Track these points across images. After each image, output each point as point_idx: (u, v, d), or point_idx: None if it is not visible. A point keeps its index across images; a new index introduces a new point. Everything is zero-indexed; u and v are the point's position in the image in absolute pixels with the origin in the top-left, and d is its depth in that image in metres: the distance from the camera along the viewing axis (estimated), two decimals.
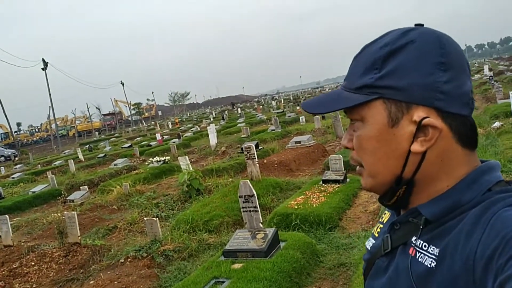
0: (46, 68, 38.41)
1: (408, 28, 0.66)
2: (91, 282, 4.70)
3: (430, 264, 0.62)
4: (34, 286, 5.09)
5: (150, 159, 13.23)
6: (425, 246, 0.65)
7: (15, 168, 22.43)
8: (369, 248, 0.84)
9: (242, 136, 16.95)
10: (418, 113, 0.62)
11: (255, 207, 4.75)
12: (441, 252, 0.61)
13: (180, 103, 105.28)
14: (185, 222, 6.08)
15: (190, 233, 5.72)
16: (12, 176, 17.79)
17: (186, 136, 22.16)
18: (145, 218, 6.07)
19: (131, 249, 5.31)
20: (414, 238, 0.68)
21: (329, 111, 0.68)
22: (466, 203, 0.62)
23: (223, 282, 3.81)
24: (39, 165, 21.78)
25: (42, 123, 74.97)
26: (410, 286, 0.64)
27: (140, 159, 16.49)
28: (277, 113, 27.57)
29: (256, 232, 4.51)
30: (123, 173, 12.77)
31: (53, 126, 49.44)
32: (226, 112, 44.64)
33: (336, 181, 6.73)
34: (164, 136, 23.42)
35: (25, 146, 49.54)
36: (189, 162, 9.64)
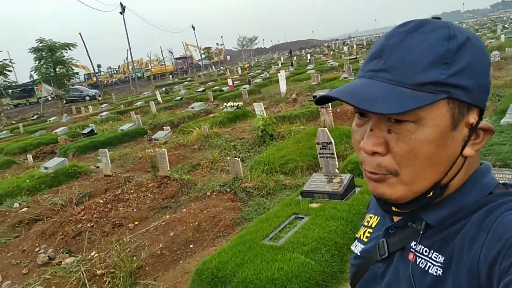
0: (123, 12, 40.08)
1: (439, 20, 0.61)
2: (184, 210, 5.39)
3: (436, 272, 0.61)
4: (134, 210, 5.92)
5: (224, 104, 13.85)
6: (425, 251, 0.64)
7: (101, 107, 24.58)
8: (357, 253, 0.81)
9: (313, 83, 16.84)
10: (474, 115, 0.61)
11: (332, 153, 5.01)
12: (447, 259, 0.60)
13: (248, 48, 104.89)
14: (262, 163, 6.54)
15: (267, 174, 6.18)
16: (100, 114, 19.57)
17: (255, 82, 22.46)
18: (227, 158, 6.63)
19: (216, 184, 5.92)
20: (413, 243, 0.66)
21: (400, 112, 0.55)
22: (468, 207, 0.62)
23: (302, 218, 4.22)
24: (122, 105, 23.60)
25: (119, 66, 79.45)
26: None
27: (214, 103, 17.24)
28: (350, 59, 26.58)
29: (333, 177, 4.82)
30: (200, 116, 13.58)
31: (130, 68, 52.40)
32: (294, 58, 43.89)
33: None
34: (234, 82, 23.93)
35: (106, 87, 53.15)
36: (263, 108, 10.01)
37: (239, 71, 38.93)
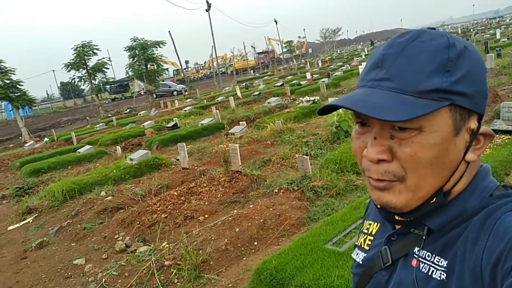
0: (209, 9, 41.61)
1: (436, 30, 0.63)
2: (251, 206, 5.42)
3: (440, 277, 0.61)
4: (206, 203, 6.11)
5: (300, 98, 13.69)
6: (428, 256, 0.64)
7: (186, 102, 25.89)
8: (359, 261, 0.80)
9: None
10: (474, 121, 0.62)
11: None
12: (450, 263, 0.60)
13: (331, 40, 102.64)
14: (333, 162, 6.32)
15: (338, 173, 5.96)
16: (184, 109, 20.64)
17: (335, 75, 21.90)
18: (296, 155, 6.54)
19: (284, 182, 5.86)
20: (416, 249, 0.66)
21: (408, 119, 0.56)
22: (469, 210, 0.62)
23: None
24: (205, 100, 24.63)
25: (205, 61, 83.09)
26: None
27: (291, 98, 17.16)
28: None
29: None
30: (276, 111, 13.61)
31: (214, 64, 54.46)
32: None
33: (507, 132, 5.99)
34: (313, 75, 23.57)
35: (192, 82, 55.97)
36: None
37: (320, 64, 38.27)
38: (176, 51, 40.70)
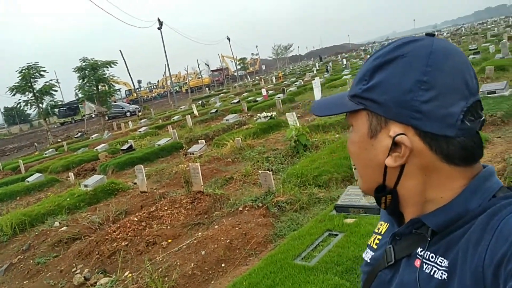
0: (161, 28, 41.32)
1: (409, 39, 0.65)
2: (216, 226, 5.31)
3: (441, 277, 0.61)
4: (168, 227, 5.92)
5: (258, 114, 13.80)
6: (432, 257, 0.64)
7: (140, 123, 25.31)
8: (368, 260, 0.83)
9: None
10: (395, 129, 0.63)
11: None
12: (451, 263, 0.60)
13: (283, 56, 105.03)
14: (295, 176, 6.37)
15: (300, 187, 6.00)
16: (139, 130, 20.14)
17: (290, 90, 22.32)
18: (259, 171, 6.52)
19: (248, 199, 5.81)
20: (420, 249, 0.67)
21: (329, 115, 0.73)
22: (472, 211, 0.61)
23: (337, 235, 4.01)
24: (160, 120, 24.19)
25: (158, 80, 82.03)
26: None
27: (248, 114, 17.25)
28: None
29: None
30: (234, 128, 13.60)
31: (168, 82, 53.87)
32: (330, 63, 43.40)
33: None
34: (269, 92, 23.91)
35: (146, 102, 54.92)
36: (296, 118, 9.84)
37: (274, 80, 38.95)
38: (128, 71, 39.97)
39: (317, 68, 42.38)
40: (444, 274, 0.61)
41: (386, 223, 0.83)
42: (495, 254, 0.53)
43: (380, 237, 0.83)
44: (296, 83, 27.98)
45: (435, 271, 0.62)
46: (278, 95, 20.26)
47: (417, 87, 0.60)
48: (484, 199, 0.62)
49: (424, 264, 0.65)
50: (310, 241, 4.01)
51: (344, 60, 42.97)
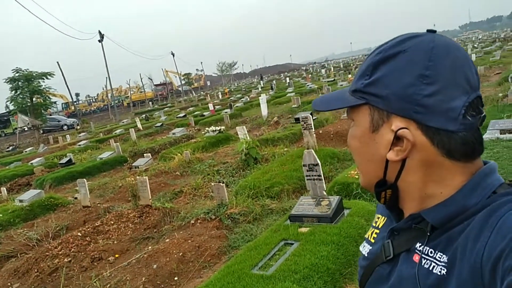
0: (102, 40, 39.98)
1: (410, 35, 0.65)
2: (167, 240, 5.14)
3: (440, 272, 0.61)
4: (115, 242, 5.64)
5: (206, 128, 13.73)
6: (431, 252, 0.64)
7: (79, 136, 24.08)
8: (365, 254, 0.83)
9: (293, 106, 16.97)
10: (396, 123, 0.63)
11: (319, 175, 4.91)
12: (450, 258, 0.61)
13: (228, 73, 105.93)
14: (247, 188, 6.38)
15: (253, 199, 6.02)
16: (79, 143, 19.12)
17: (237, 106, 22.50)
18: (212, 183, 6.46)
19: (200, 212, 5.71)
20: (419, 244, 0.67)
21: (330, 109, 0.73)
22: (472, 207, 0.62)
23: (292, 244, 4.05)
24: (101, 134, 23.17)
25: (98, 94, 78.82)
26: None
27: (196, 128, 17.09)
28: (328, 81, 27.09)
29: (321, 199, 4.70)
30: (182, 141, 13.38)
31: (109, 96, 51.94)
32: (274, 81, 44.45)
33: None
34: (215, 106, 23.92)
35: (84, 116, 52.47)
36: (246, 132, 9.92)
37: (220, 96, 39.08)
38: (66, 83, 38.05)
39: (262, 85, 43.24)
40: (443, 270, 0.61)
41: (383, 217, 0.83)
42: (493, 250, 0.53)
43: (377, 231, 0.82)
44: (242, 99, 28.25)
45: (434, 266, 0.62)
46: (226, 110, 20.33)
47: (419, 81, 0.61)
48: (484, 195, 0.62)
49: (423, 259, 0.65)
50: (266, 250, 4.01)
51: (287, 78, 44.23)
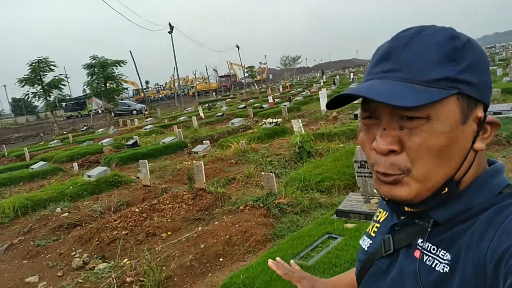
0: (172, 32, 41.69)
1: (438, 25, 0.65)
2: (216, 222, 5.35)
3: (443, 270, 0.61)
4: (169, 220, 5.97)
5: (263, 120, 13.88)
6: (433, 249, 0.64)
7: (146, 121, 25.45)
8: (365, 248, 0.82)
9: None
10: (481, 111, 0.63)
11: (370, 173, 4.81)
12: (454, 257, 0.60)
13: (291, 67, 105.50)
14: (297, 180, 6.41)
15: (302, 191, 6.04)
16: (145, 127, 20.24)
17: (296, 100, 22.42)
18: (262, 173, 6.57)
19: (250, 199, 5.86)
20: (420, 240, 0.66)
21: (418, 104, 0.57)
22: (476, 207, 0.62)
23: (336, 238, 4.05)
24: (166, 120, 24.31)
25: (166, 82, 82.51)
26: None
27: (254, 119, 17.34)
28: None
29: (370, 197, 4.62)
30: (239, 131, 13.68)
31: (176, 85, 54.18)
32: (337, 76, 43.57)
33: None
34: (275, 99, 24.02)
35: (152, 102, 55.20)
36: (301, 125, 9.91)
37: (281, 89, 39.12)
38: (137, 71, 40.28)
39: (324, 80, 42.55)
40: (446, 268, 0.61)
41: (385, 212, 0.83)
42: (497, 250, 0.54)
43: (378, 225, 0.82)
44: (302, 93, 28.07)
45: (436, 263, 0.62)
46: (284, 103, 20.37)
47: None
48: (490, 195, 0.63)
49: (424, 255, 0.65)
50: (309, 242, 4.05)
51: (352, 74, 43.15)
